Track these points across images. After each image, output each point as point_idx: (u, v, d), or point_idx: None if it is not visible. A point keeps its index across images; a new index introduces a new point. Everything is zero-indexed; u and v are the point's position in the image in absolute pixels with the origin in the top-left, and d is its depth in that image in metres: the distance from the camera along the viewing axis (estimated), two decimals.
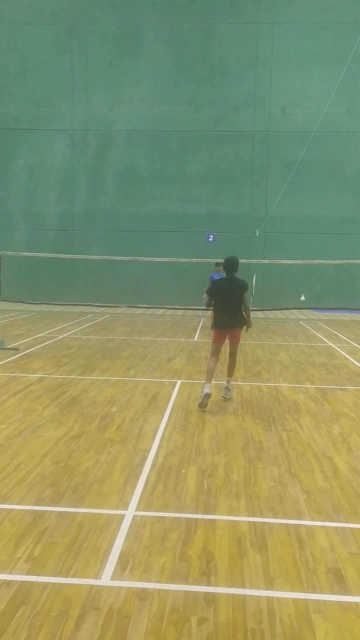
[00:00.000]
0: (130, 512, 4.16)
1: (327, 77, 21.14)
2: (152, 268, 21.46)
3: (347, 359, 11.20)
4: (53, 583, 3.26)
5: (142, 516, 4.11)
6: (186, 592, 3.21)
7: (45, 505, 4.24)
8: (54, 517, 4.05)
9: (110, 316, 18.51)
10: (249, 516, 4.16)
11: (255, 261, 20.08)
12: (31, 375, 8.84)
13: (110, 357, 10.64)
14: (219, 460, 5.29)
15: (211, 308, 7.81)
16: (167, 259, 19.64)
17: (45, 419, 6.50)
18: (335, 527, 4.03)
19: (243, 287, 7.51)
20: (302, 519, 4.13)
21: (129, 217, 22.62)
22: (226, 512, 4.21)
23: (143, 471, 4.96)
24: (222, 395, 7.76)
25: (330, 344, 13.23)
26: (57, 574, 3.35)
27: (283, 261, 19.92)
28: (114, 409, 6.99)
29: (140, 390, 8.01)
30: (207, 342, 12.56)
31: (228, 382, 7.85)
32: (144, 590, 3.22)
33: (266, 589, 3.25)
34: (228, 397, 7.72)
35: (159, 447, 5.61)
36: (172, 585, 3.27)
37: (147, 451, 5.48)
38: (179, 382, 8.65)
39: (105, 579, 3.31)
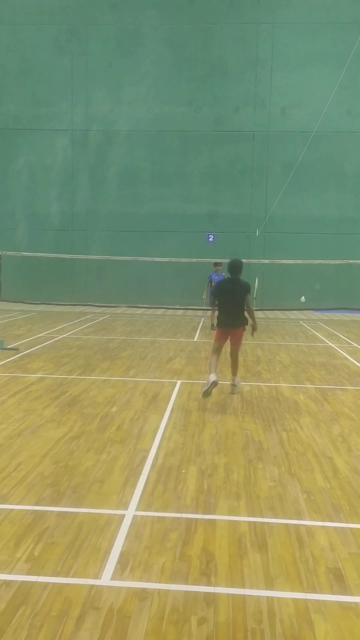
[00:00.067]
0: (130, 512, 4.16)
1: (327, 77, 21.14)
2: (152, 268, 21.46)
3: (347, 359, 11.20)
4: (53, 583, 3.26)
5: (142, 516, 4.11)
6: (186, 592, 3.21)
7: (45, 505, 4.24)
8: (54, 517, 4.05)
9: (110, 316, 18.49)
10: (249, 516, 4.16)
11: (255, 261, 20.10)
12: (31, 375, 8.84)
13: (110, 357, 10.64)
14: (219, 460, 5.29)
15: (215, 307, 8.24)
16: (167, 259, 19.66)
17: (45, 419, 6.50)
18: (335, 527, 4.04)
19: (246, 288, 7.79)
20: (302, 519, 4.13)
21: (129, 217, 22.60)
22: (226, 512, 4.21)
23: (143, 471, 4.96)
24: (230, 392, 7.98)
25: (330, 344, 13.23)
26: (57, 574, 3.35)
27: (283, 261, 19.95)
28: (114, 409, 7.00)
29: (140, 390, 8.01)
30: (207, 342, 12.56)
31: (233, 380, 8.06)
32: (144, 590, 3.22)
33: (266, 589, 3.25)
34: (236, 391, 7.98)
35: (159, 447, 5.62)
36: (172, 585, 3.27)
37: (147, 451, 5.48)
38: (179, 382, 8.66)
39: (106, 579, 3.31)
